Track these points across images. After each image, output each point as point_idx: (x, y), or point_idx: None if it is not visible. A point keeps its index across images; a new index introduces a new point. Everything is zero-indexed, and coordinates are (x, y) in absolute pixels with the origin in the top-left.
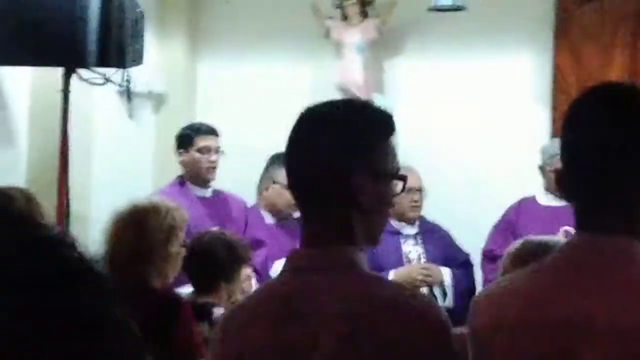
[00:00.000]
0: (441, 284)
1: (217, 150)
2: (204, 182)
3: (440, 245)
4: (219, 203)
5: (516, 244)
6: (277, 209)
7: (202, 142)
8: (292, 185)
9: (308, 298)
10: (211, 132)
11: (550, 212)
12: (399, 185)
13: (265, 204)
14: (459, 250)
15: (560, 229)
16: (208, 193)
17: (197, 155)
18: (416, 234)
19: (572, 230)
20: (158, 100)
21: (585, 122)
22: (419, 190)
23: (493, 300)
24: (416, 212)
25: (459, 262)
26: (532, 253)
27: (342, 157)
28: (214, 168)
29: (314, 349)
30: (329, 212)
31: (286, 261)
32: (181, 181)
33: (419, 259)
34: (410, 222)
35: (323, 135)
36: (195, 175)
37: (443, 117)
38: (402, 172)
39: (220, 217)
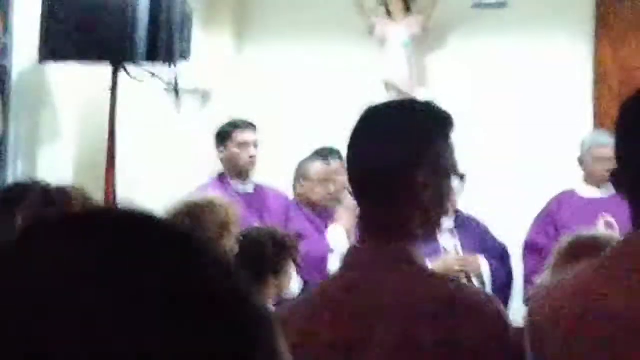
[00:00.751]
0: (479, 275)
1: (255, 144)
2: (243, 177)
3: (476, 237)
4: (260, 198)
5: (567, 238)
6: (312, 204)
7: (241, 136)
8: (353, 182)
9: (366, 294)
10: (248, 126)
11: (590, 204)
12: (456, 181)
13: (299, 199)
14: (495, 241)
15: (600, 219)
16: (249, 188)
17: (236, 150)
18: (452, 228)
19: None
20: (205, 96)
21: (630, 123)
22: None
23: (552, 295)
24: None
25: (496, 253)
26: (584, 248)
27: (406, 154)
28: (253, 162)
29: (370, 344)
30: (390, 208)
31: (345, 256)
32: (221, 177)
33: (455, 250)
34: None
35: (386, 134)
36: (235, 171)
37: (486, 111)
38: None
39: (261, 212)
